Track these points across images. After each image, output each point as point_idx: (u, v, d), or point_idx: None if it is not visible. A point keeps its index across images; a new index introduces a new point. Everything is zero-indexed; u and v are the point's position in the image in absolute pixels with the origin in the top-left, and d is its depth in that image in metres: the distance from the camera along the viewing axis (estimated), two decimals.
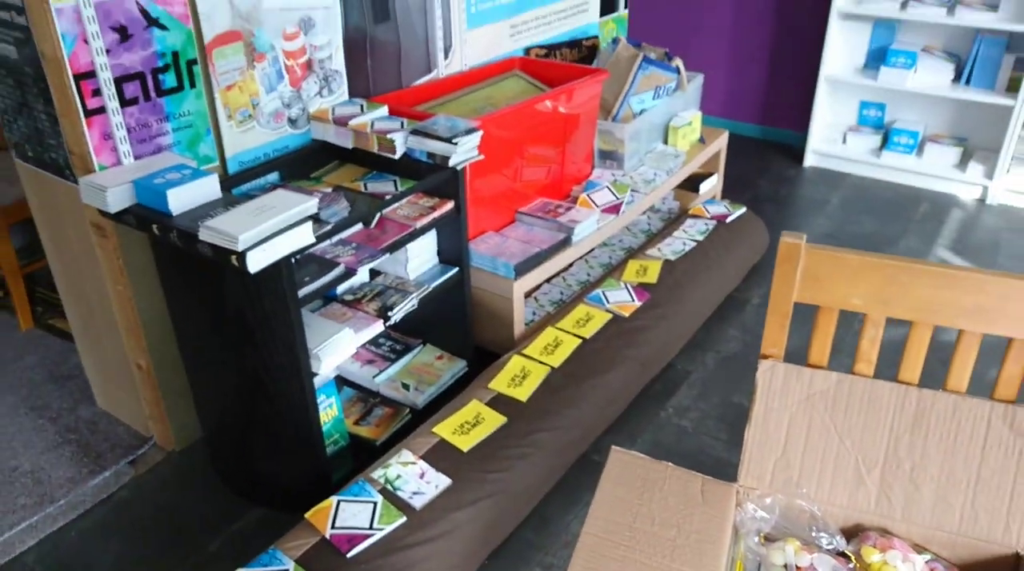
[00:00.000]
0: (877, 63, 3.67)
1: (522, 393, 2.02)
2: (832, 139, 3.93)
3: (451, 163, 2.04)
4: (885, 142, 3.80)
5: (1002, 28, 3.33)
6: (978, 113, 3.63)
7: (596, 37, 3.40)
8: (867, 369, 1.16)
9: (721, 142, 3.25)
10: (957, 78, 3.58)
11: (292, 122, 2.20)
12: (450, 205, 2.10)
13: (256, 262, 1.56)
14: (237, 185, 2.01)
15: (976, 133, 3.69)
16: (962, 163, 3.66)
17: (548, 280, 2.72)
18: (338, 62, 2.28)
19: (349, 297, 2.10)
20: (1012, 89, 3.41)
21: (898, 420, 1.11)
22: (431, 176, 2.07)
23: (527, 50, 3.06)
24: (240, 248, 1.53)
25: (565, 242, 2.44)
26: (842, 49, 3.77)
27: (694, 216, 2.98)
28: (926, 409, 1.10)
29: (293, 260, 1.70)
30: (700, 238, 2.81)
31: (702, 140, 3.17)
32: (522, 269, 2.29)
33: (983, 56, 3.47)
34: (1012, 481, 1.06)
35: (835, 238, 3.33)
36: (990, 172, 3.56)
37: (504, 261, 2.27)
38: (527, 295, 2.61)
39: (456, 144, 2.01)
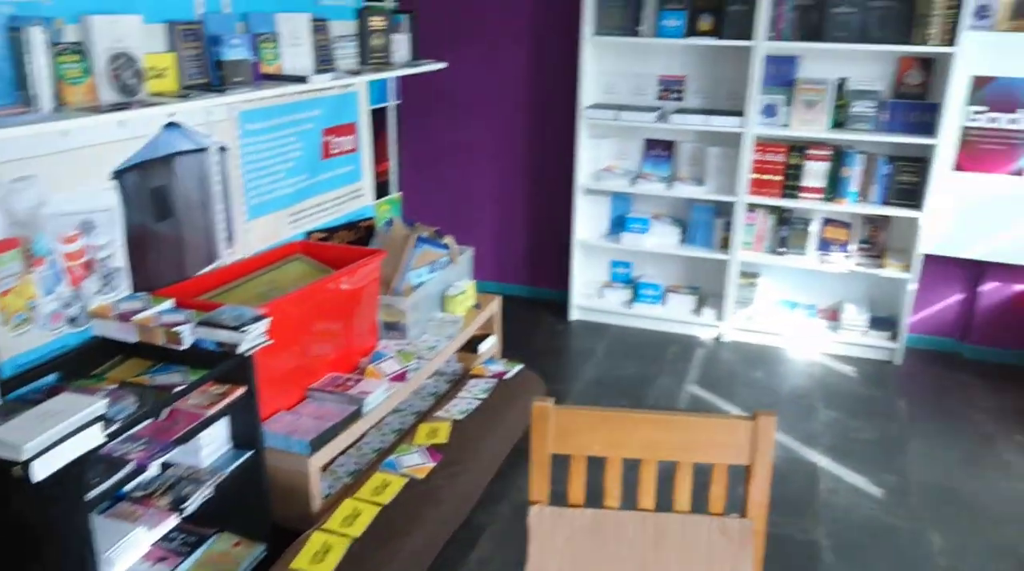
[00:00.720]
0: (619, 229, 4.27)
1: (325, 569, 2.07)
2: (591, 295, 4.44)
3: (240, 350, 2.14)
4: (635, 295, 4.35)
5: (709, 198, 4.04)
6: (704, 266, 4.29)
7: (372, 218, 3.70)
8: (614, 503, 1.39)
9: (494, 306, 3.59)
10: (683, 238, 4.23)
11: (72, 321, 2.21)
12: (242, 390, 2.19)
13: (41, 471, 1.56)
14: (14, 389, 1.98)
15: (706, 282, 4.35)
16: (698, 309, 4.28)
17: (343, 452, 2.80)
18: (120, 259, 2.35)
19: (139, 493, 2.07)
20: (724, 246, 4.10)
21: (643, 542, 1.34)
22: (221, 364, 2.15)
23: (308, 234, 3.27)
24: (24, 458, 1.53)
25: (357, 414, 2.57)
26: (589, 218, 4.34)
27: (476, 376, 3.23)
28: (663, 529, 1.34)
29: (81, 464, 1.70)
30: (484, 396, 3.05)
31: (477, 306, 3.48)
32: (317, 444, 2.38)
33: (699, 220, 4.17)
34: None
35: (602, 383, 3.72)
36: (720, 315, 4.18)
37: (298, 438, 2.36)
38: (323, 469, 2.68)
39: (244, 332, 2.13)
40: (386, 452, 2.67)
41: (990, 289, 3.97)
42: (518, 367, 3.33)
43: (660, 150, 4.19)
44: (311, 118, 3.21)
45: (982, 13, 3.55)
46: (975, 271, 3.96)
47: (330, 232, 3.39)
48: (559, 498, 1.43)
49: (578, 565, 1.34)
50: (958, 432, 3.37)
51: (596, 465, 1.43)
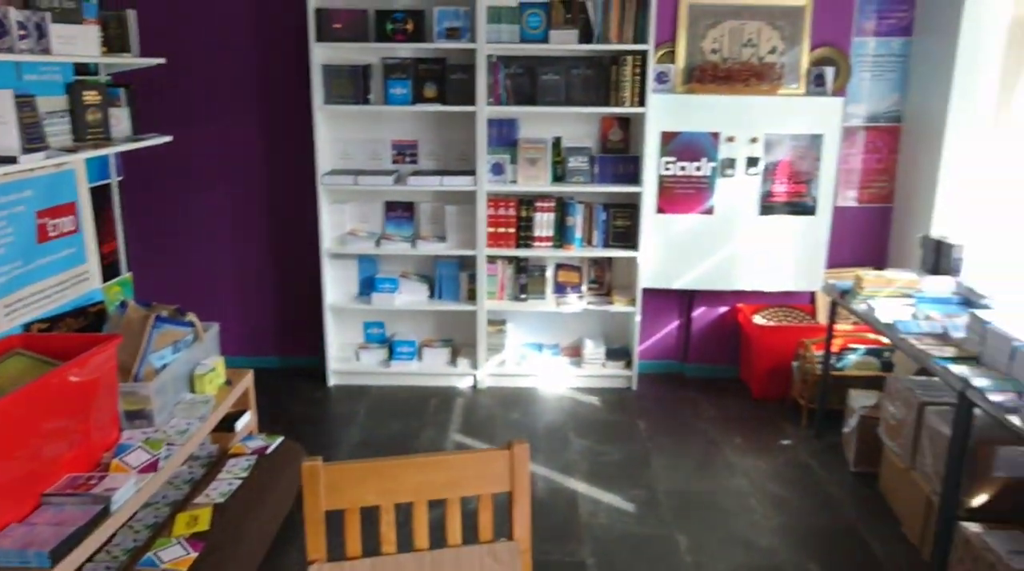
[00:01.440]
0: (369, 290, 4.33)
1: None
2: (347, 358, 4.44)
3: None
4: (391, 353, 4.42)
5: (452, 253, 4.25)
6: (454, 318, 4.47)
7: (102, 302, 3.43)
8: (391, 548, 1.44)
9: (247, 381, 3.47)
10: (432, 294, 4.39)
11: None
12: None
13: None
14: None
15: (457, 334, 4.53)
16: (453, 360, 4.43)
17: (91, 558, 2.55)
18: None
19: None
20: (471, 297, 4.31)
21: None
22: None
23: (27, 326, 2.97)
24: None
25: (103, 513, 2.36)
26: (338, 281, 4.36)
27: (235, 455, 3.09)
28: (439, 565, 1.41)
29: None
30: (245, 475, 2.93)
31: (229, 382, 3.35)
32: (59, 554, 2.15)
33: (445, 275, 4.36)
34: None
35: (368, 444, 3.72)
36: (474, 363, 4.37)
37: (36, 551, 2.12)
38: None
39: None
40: (142, 550, 2.48)
41: (699, 314, 4.55)
42: (279, 440, 3.24)
43: (401, 211, 4.34)
44: (22, 200, 2.94)
45: (662, 79, 4.14)
46: (686, 299, 4.52)
47: (53, 321, 3.10)
48: (339, 553, 1.45)
49: None
50: (690, 442, 3.80)
51: (372, 515, 1.47)
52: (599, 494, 3.32)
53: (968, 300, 3.17)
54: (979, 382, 2.50)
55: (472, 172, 4.11)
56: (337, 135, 4.27)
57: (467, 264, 4.32)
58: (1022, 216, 3.64)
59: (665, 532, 3.05)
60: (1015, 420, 2.29)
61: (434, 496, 1.44)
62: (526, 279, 4.35)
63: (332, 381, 4.40)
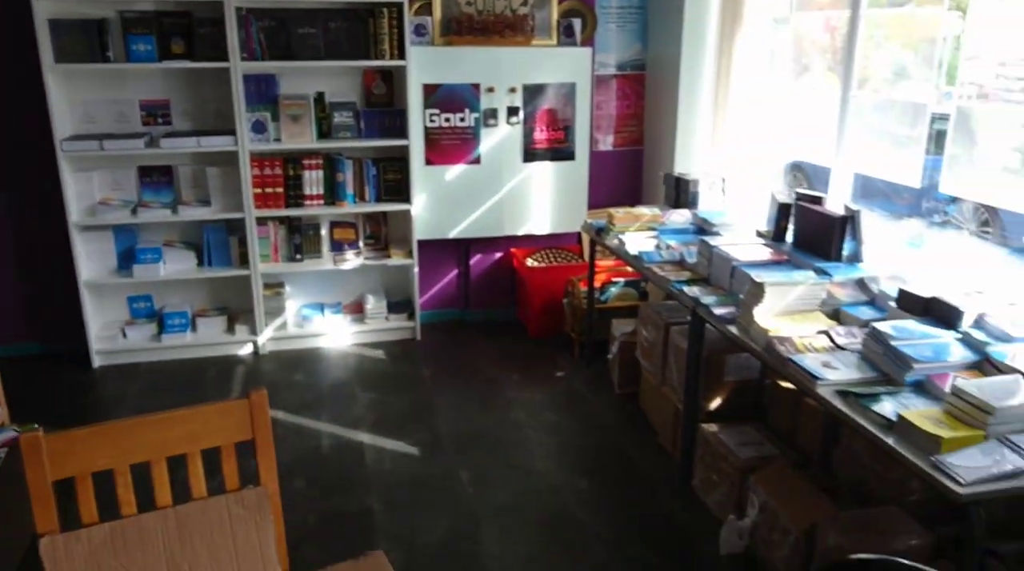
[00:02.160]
0: (129, 262, 4.07)
1: None
2: (112, 337, 4.16)
3: None
4: (162, 327, 4.20)
5: (218, 218, 4.09)
6: (227, 285, 4.32)
7: None
8: (131, 510, 1.41)
9: None
10: (201, 261, 4.20)
11: None
12: None
13: None
14: None
15: (233, 300, 4.38)
16: (230, 328, 4.30)
17: None
18: None
19: None
20: (243, 262, 4.18)
21: (167, 538, 1.39)
22: None
23: None
24: None
25: None
26: (93, 256, 4.06)
27: None
28: (184, 520, 1.41)
29: None
30: None
31: None
32: None
33: (213, 241, 4.19)
34: (259, 547, 1.44)
35: None
36: (254, 329, 4.26)
37: None
38: None
39: None
40: None
41: (476, 261, 4.72)
42: (33, 429, 3.00)
43: (158, 176, 4.10)
44: None
45: (420, 31, 4.18)
46: (463, 248, 4.66)
47: None
48: (75, 523, 1.41)
49: None
50: (472, 384, 3.96)
51: (108, 480, 1.43)
52: (384, 442, 3.40)
53: (702, 229, 3.53)
54: (707, 300, 2.82)
55: (232, 132, 3.95)
56: (76, 97, 3.93)
57: (236, 228, 4.17)
58: (754, 154, 4.09)
59: (448, 470, 3.19)
60: (733, 329, 2.61)
61: (172, 452, 1.43)
62: (300, 239, 4.28)
63: (97, 363, 4.12)
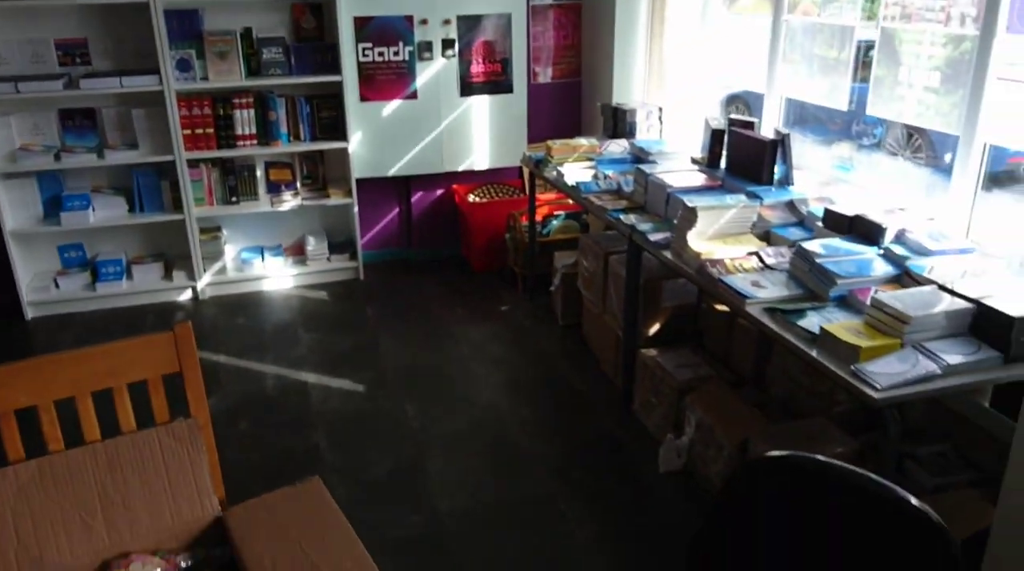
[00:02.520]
0: (56, 210, 3.94)
1: None
2: (44, 288, 4.05)
3: None
4: (96, 276, 4.10)
5: (147, 161, 3.96)
6: (162, 230, 4.21)
7: None
8: (58, 446, 1.40)
9: None
10: (132, 207, 4.09)
11: None
12: None
13: None
14: None
15: (169, 246, 4.28)
16: (168, 274, 4.21)
17: None
18: None
19: None
20: (177, 206, 4.07)
21: (98, 472, 1.39)
22: None
23: None
24: None
25: None
26: (16, 204, 3.92)
27: None
28: (115, 454, 1.40)
29: None
30: None
31: None
32: None
33: (144, 185, 4.07)
34: (192, 478, 1.45)
35: None
36: (192, 274, 4.18)
37: None
38: None
39: None
40: None
41: (418, 199, 4.68)
42: None
43: (80, 119, 3.95)
44: None
45: None
46: (403, 186, 4.61)
47: None
48: (2, 461, 1.39)
49: (36, 517, 1.33)
50: (417, 321, 3.97)
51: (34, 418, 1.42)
52: (330, 381, 3.41)
53: (639, 158, 3.55)
54: (643, 226, 2.85)
55: (156, 70, 3.81)
56: None
57: (167, 171, 4.05)
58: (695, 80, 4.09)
59: (394, 405, 3.22)
60: (668, 255, 2.65)
61: (97, 387, 1.41)
62: (235, 181, 4.19)
63: (30, 314, 4.02)
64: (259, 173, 4.27)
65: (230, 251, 4.34)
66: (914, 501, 1.09)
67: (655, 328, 3.18)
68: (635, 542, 2.43)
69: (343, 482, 2.71)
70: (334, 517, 1.39)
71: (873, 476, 1.14)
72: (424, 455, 2.87)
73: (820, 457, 1.19)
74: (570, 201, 4.03)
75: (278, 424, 3.09)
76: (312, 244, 4.38)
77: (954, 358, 1.88)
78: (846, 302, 2.17)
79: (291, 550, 1.32)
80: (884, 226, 2.35)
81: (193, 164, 4.04)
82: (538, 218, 4.06)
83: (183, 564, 1.38)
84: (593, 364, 3.51)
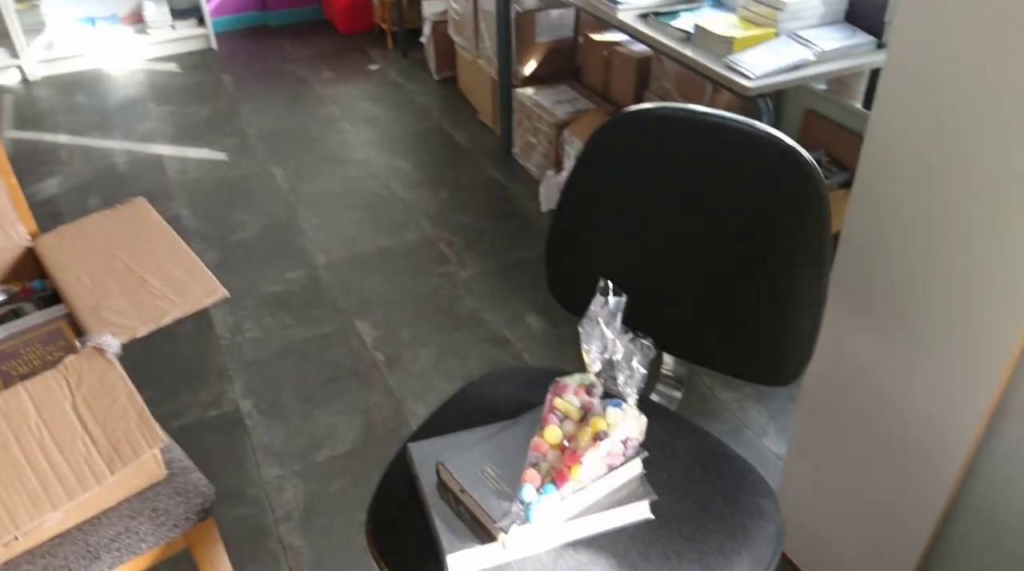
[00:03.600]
0: None
1: None
2: None
3: None
4: None
5: None
6: None
7: None
8: None
9: None
10: None
11: None
12: None
13: None
14: None
15: None
16: None
17: None
18: None
19: None
20: None
21: None
22: None
23: None
24: None
25: None
26: None
27: None
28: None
29: None
30: None
31: None
32: None
33: None
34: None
35: None
36: (14, 52, 3.67)
37: None
38: None
39: None
40: None
41: None
42: None
43: None
44: None
45: None
46: None
47: None
48: None
49: None
50: (280, 86, 3.66)
51: None
52: (187, 152, 3.13)
53: None
54: None
55: None
56: None
57: None
58: None
59: (260, 169, 3.00)
60: None
61: None
62: None
63: None
64: None
65: (57, 23, 3.81)
66: (787, 139, 1.02)
67: (531, 66, 3.00)
68: (515, 271, 2.40)
69: (211, 247, 2.55)
70: (162, 233, 1.25)
71: (741, 117, 1.05)
72: (297, 215, 2.72)
73: (702, 110, 1.10)
74: None
75: (132, 196, 2.84)
76: (151, 10, 3.89)
77: (828, 44, 1.81)
78: (720, 2, 2.04)
79: (114, 266, 1.18)
80: None
81: None
82: None
83: None
84: (471, 115, 3.34)
